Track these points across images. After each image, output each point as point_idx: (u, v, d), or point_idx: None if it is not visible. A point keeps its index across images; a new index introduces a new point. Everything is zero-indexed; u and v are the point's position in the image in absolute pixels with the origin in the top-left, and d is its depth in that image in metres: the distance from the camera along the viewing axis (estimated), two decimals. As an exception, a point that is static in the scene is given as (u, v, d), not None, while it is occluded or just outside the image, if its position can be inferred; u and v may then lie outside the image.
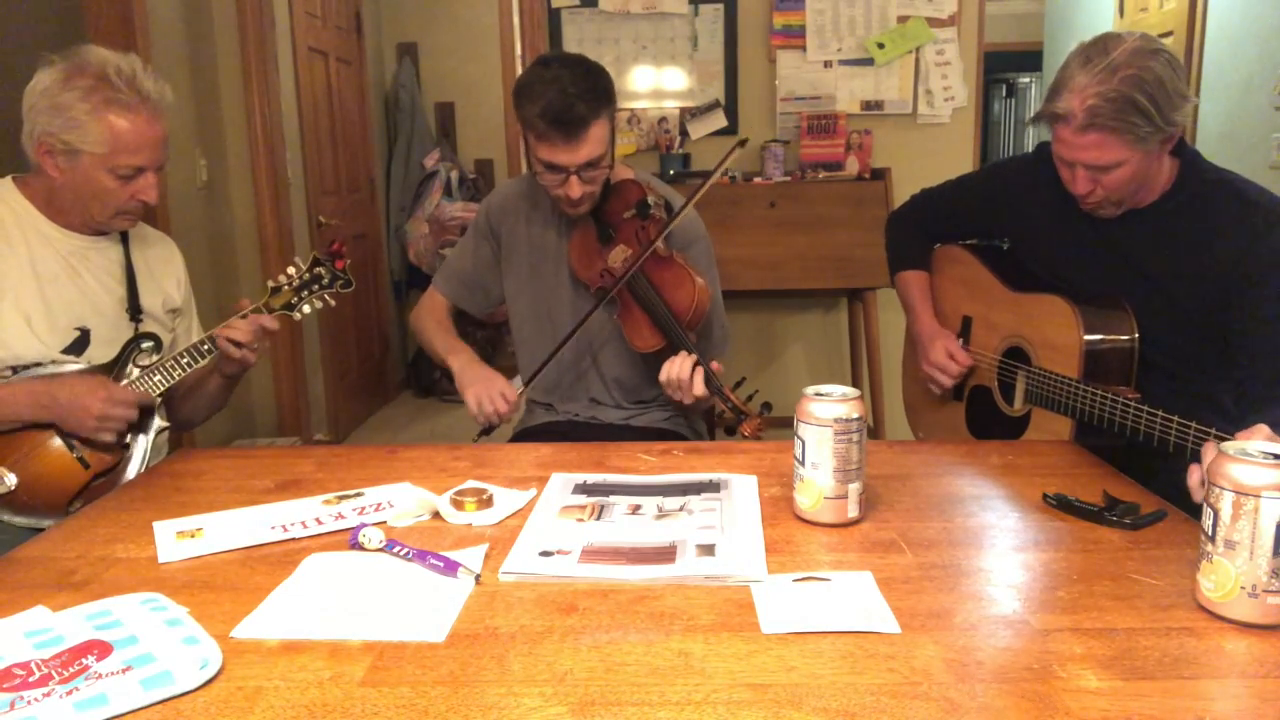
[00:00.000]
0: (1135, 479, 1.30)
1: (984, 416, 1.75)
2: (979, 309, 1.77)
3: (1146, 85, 1.33)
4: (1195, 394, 1.49)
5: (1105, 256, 1.55)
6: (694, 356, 1.61)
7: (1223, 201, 1.44)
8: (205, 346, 1.57)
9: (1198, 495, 1.05)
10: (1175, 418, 1.28)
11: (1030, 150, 1.69)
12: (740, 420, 1.58)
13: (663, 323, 1.69)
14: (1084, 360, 1.49)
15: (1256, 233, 1.39)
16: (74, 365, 1.52)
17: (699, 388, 1.58)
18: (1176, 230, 1.47)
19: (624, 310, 1.76)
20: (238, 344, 1.56)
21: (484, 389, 1.75)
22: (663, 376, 1.62)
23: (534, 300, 1.88)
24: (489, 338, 4.96)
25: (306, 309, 1.64)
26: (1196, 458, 1.10)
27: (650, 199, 1.75)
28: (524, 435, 1.91)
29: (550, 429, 1.89)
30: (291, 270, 1.64)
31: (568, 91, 1.61)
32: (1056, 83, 1.42)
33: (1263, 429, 1.05)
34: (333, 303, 1.67)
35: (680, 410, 1.88)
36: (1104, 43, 1.38)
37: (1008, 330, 1.68)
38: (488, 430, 1.79)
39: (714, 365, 1.62)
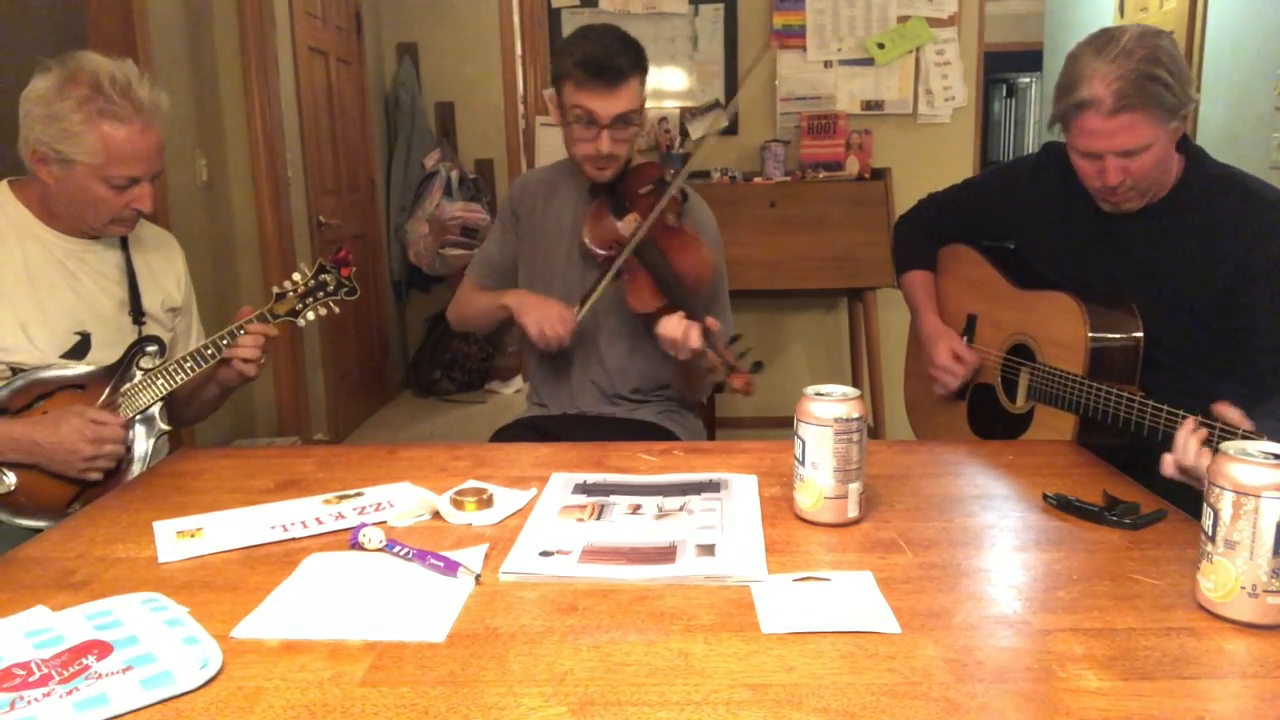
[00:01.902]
0: (1138, 476, 1.30)
1: (987, 414, 1.75)
2: (984, 307, 1.77)
3: (1163, 60, 1.36)
4: (1198, 392, 1.49)
5: (1112, 254, 1.55)
6: (695, 322, 1.62)
7: (1229, 197, 1.45)
8: (209, 352, 1.55)
9: (1168, 468, 1.18)
10: (1180, 411, 1.28)
11: (1031, 150, 1.69)
12: (730, 373, 1.59)
13: (665, 285, 1.71)
14: (1089, 357, 1.49)
15: (1263, 227, 1.39)
16: (76, 369, 1.52)
17: (695, 340, 1.60)
18: (1183, 226, 1.47)
19: (628, 276, 1.78)
20: (245, 359, 1.57)
21: (542, 314, 1.77)
22: (660, 329, 1.63)
23: (546, 284, 1.89)
24: (487, 338, 4.96)
25: (311, 316, 1.63)
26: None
27: (668, 176, 1.80)
28: (516, 425, 1.93)
29: (542, 421, 1.91)
30: (297, 276, 1.63)
31: (610, 46, 1.72)
32: (1071, 78, 1.41)
33: (1232, 411, 1.13)
34: (337, 310, 1.66)
35: (678, 385, 1.90)
36: (1108, 33, 1.40)
37: (1013, 328, 1.68)
38: (549, 357, 1.85)
39: (709, 321, 1.62)
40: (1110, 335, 1.50)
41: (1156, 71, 1.35)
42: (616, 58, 1.71)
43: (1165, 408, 1.31)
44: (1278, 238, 1.38)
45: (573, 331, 1.77)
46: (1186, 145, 1.49)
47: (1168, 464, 1.18)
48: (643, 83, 1.78)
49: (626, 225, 1.79)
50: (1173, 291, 1.48)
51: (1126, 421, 1.38)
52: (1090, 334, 1.49)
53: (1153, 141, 1.39)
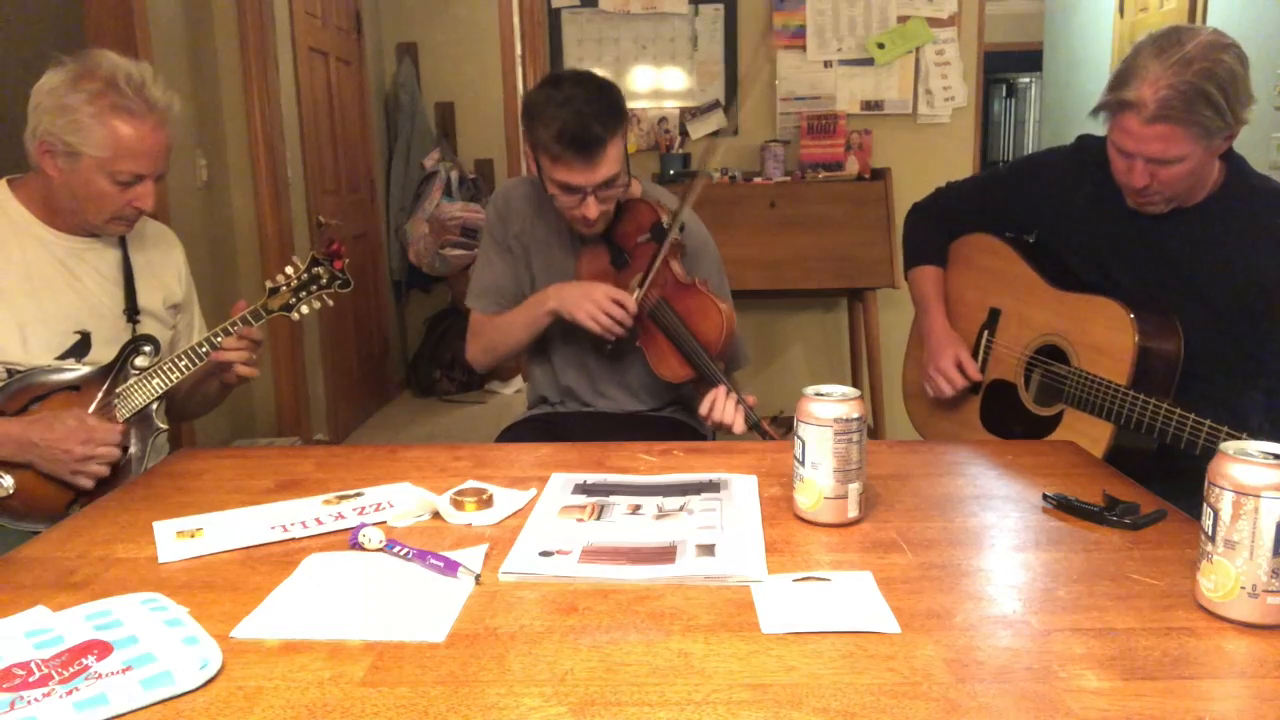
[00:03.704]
0: (1166, 481, 1.29)
1: (1004, 412, 1.72)
2: (1011, 302, 1.73)
3: (1219, 80, 1.32)
4: (1221, 399, 1.47)
5: (1145, 256, 1.53)
6: (733, 395, 1.59)
7: (1268, 208, 1.44)
8: (204, 349, 1.55)
9: None
10: (1225, 428, 1.28)
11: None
12: (771, 441, 1.56)
13: (691, 354, 1.66)
14: (1135, 366, 1.46)
15: None
16: (70, 370, 1.52)
17: (740, 426, 1.57)
18: (1220, 234, 1.46)
19: (646, 337, 1.73)
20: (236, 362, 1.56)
21: (590, 304, 1.66)
22: (705, 411, 1.61)
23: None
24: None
25: (305, 309, 1.63)
26: None
27: (664, 220, 1.71)
28: (529, 421, 1.91)
29: (550, 418, 1.90)
30: (290, 270, 1.62)
31: (583, 112, 1.57)
32: (1125, 71, 1.39)
33: None
34: (331, 303, 1.65)
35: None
36: (1177, 34, 1.36)
37: (1044, 328, 1.65)
38: (614, 343, 1.72)
39: (749, 399, 1.59)
40: (1155, 346, 1.47)
41: (1208, 89, 1.31)
42: (592, 126, 1.56)
43: (1224, 428, 1.29)
44: None
45: (633, 309, 1.66)
46: (1229, 153, 1.46)
47: None
48: (624, 135, 1.65)
49: (630, 282, 1.70)
50: (1203, 297, 1.47)
51: (1177, 438, 1.35)
52: (1138, 343, 1.46)
53: (1187, 155, 1.37)
